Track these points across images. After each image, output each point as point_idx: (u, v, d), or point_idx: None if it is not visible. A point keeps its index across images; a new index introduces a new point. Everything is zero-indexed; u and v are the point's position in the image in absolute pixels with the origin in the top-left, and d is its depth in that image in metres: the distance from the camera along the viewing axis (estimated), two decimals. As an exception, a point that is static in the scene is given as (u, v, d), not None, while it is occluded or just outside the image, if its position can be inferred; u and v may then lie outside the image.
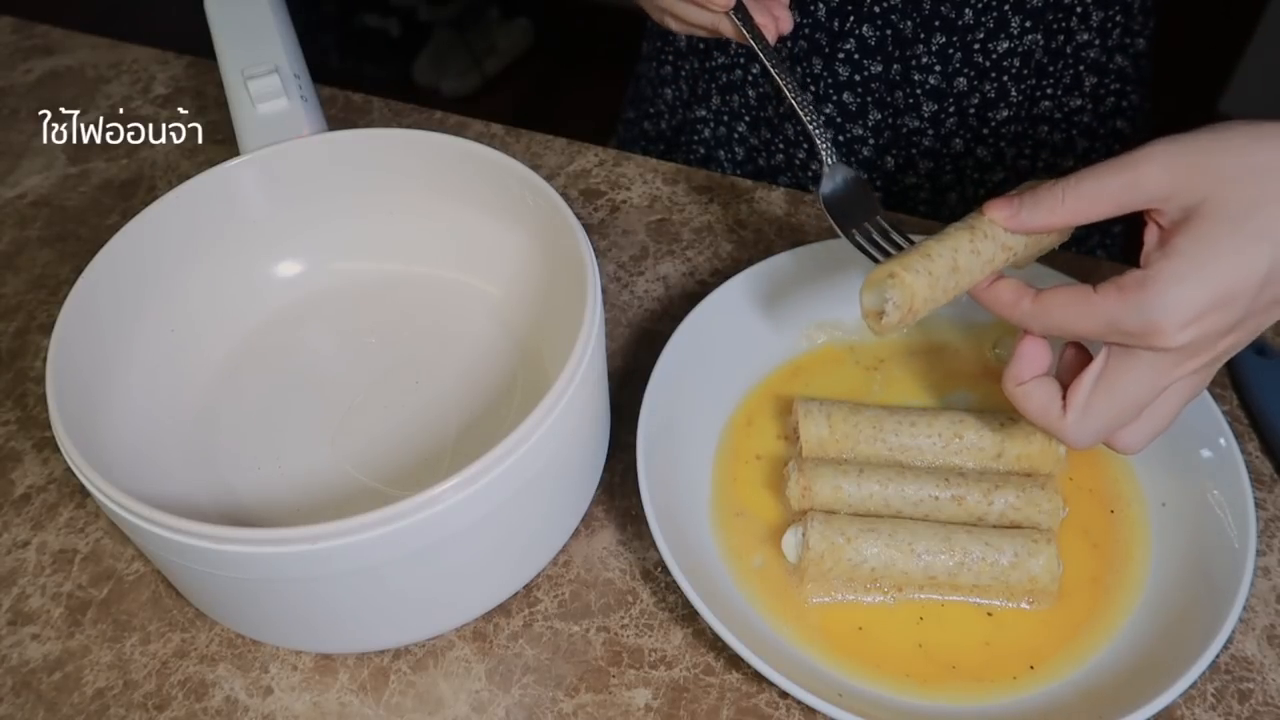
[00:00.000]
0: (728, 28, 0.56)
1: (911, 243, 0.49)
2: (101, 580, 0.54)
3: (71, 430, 0.44)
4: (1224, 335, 0.43)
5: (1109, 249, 0.84)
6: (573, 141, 0.75)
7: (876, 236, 0.51)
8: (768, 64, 0.56)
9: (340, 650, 0.50)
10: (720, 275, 0.62)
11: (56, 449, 0.56)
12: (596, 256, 0.50)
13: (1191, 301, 0.41)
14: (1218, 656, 0.47)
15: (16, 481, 0.58)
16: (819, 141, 0.55)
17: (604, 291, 0.65)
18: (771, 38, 0.57)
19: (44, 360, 0.47)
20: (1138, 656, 0.48)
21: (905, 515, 0.53)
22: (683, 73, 0.82)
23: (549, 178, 0.66)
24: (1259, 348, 0.60)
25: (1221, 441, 0.53)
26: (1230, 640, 0.50)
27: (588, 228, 0.68)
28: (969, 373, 0.60)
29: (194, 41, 0.73)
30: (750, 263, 0.61)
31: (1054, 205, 0.45)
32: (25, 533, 0.55)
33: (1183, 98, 2.03)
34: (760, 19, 0.56)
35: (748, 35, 0.56)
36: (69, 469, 0.45)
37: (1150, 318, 0.41)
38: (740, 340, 0.60)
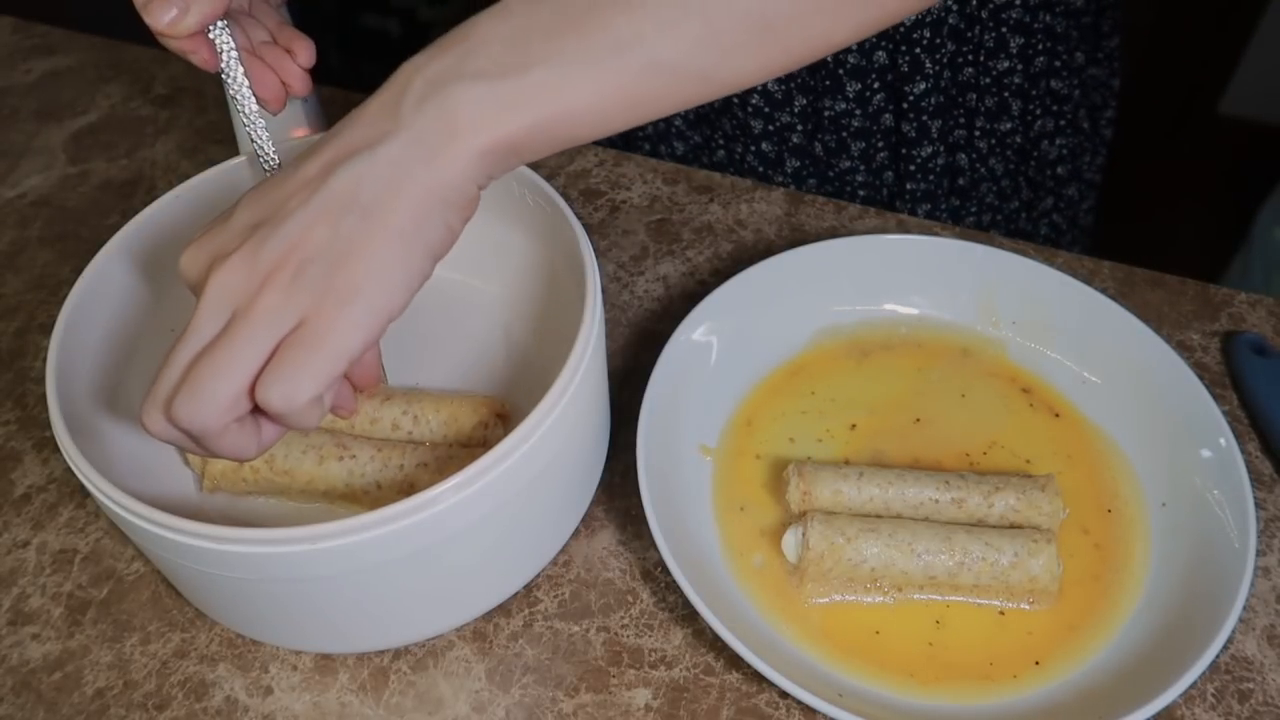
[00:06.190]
0: (199, 58, 0.49)
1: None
2: (101, 580, 0.54)
3: (72, 430, 0.44)
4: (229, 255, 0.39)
5: (1063, 211, 0.84)
6: (573, 141, 0.75)
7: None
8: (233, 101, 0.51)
9: (340, 650, 0.50)
10: (720, 275, 0.62)
11: (56, 449, 0.56)
12: (596, 256, 0.50)
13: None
14: (1218, 656, 0.47)
15: (16, 481, 0.58)
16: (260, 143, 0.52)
17: (604, 291, 0.65)
18: (277, 108, 0.52)
19: (44, 360, 0.47)
20: (1138, 656, 0.48)
21: (905, 518, 0.53)
22: None
23: (549, 177, 0.66)
24: (1259, 347, 0.60)
25: (1221, 441, 0.53)
26: (1230, 640, 0.50)
27: (588, 228, 0.68)
28: (968, 372, 0.60)
29: (194, 41, 0.73)
30: (750, 263, 0.61)
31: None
32: (25, 533, 0.55)
33: (1183, 98, 2.03)
34: (263, 90, 0.51)
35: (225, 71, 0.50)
36: (69, 469, 0.45)
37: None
38: (740, 340, 0.60)
